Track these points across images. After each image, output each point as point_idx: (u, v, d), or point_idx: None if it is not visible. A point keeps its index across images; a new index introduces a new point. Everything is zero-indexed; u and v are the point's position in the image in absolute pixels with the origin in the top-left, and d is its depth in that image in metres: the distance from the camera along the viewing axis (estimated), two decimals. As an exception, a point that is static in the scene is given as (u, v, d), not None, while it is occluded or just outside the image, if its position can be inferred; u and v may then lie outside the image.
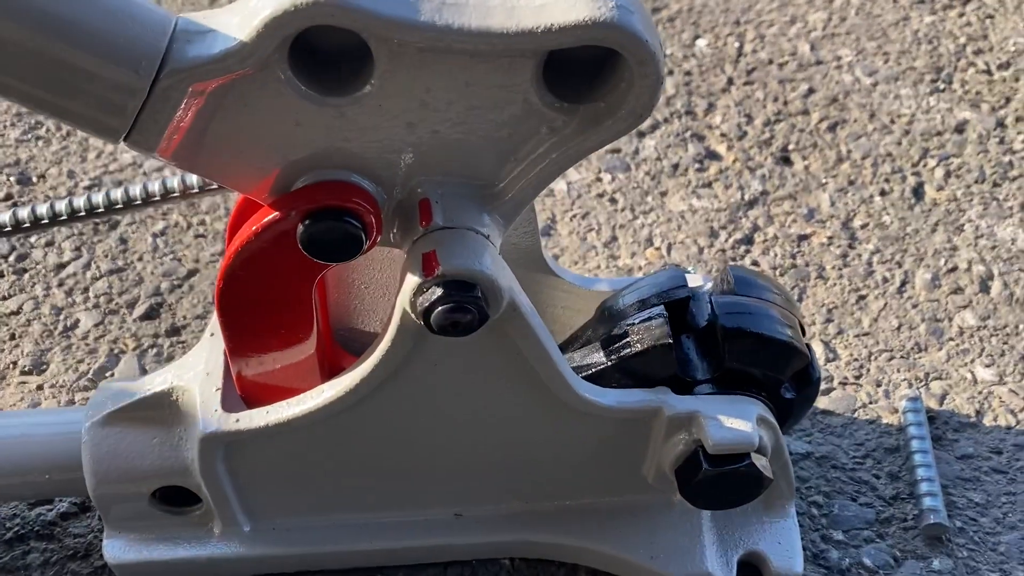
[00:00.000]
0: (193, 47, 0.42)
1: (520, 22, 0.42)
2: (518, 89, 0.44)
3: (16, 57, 0.41)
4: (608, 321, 0.57)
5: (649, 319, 0.55)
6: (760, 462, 0.53)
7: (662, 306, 0.55)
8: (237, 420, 0.53)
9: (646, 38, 0.42)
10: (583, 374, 0.54)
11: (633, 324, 0.55)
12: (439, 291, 0.45)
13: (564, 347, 0.58)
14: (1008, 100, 0.94)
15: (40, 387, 0.71)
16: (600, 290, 0.61)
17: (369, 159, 0.46)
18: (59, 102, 0.42)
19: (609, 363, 0.54)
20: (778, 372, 0.56)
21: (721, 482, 0.53)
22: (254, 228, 0.46)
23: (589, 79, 0.45)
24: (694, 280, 0.59)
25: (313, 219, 0.45)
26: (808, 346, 0.57)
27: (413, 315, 0.47)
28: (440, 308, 0.45)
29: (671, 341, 0.54)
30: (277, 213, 0.46)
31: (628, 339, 0.54)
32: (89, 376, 0.71)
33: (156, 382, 0.56)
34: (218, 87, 0.43)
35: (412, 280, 0.46)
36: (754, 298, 0.56)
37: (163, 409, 0.56)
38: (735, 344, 0.55)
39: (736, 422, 0.53)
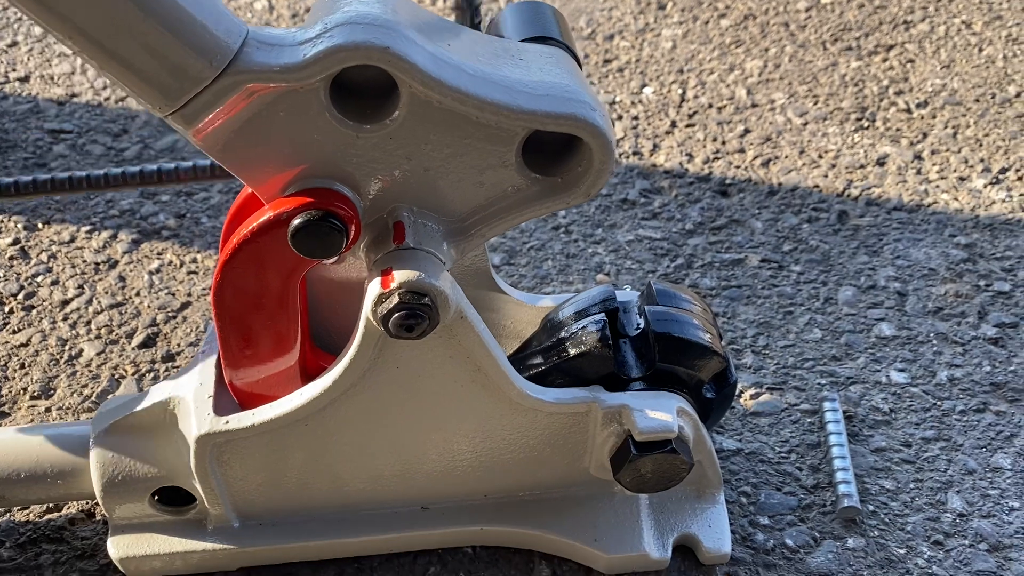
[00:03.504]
0: (260, 54, 0.50)
1: (522, 104, 0.52)
2: (501, 153, 0.54)
3: (116, 23, 0.47)
4: (552, 330, 0.65)
5: (588, 326, 0.63)
6: (682, 447, 0.61)
7: (602, 314, 0.64)
8: (227, 422, 0.61)
9: (611, 138, 0.53)
10: (529, 374, 0.62)
11: (575, 331, 0.63)
12: (395, 300, 0.53)
13: (515, 355, 0.66)
14: (925, 135, 1.03)
15: (48, 410, 0.79)
16: (544, 305, 0.69)
17: (364, 177, 0.55)
18: (131, 69, 0.48)
19: (552, 364, 0.62)
20: (699, 372, 0.64)
21: (649, 466, 0.61)
22: (252, 226, 0.54)
23: (553, 158, 0.56)
24: (624, 295, 0.68)
25: (303, 219, 0.53)
26: (725, 352, 0.66)
27: (375, 322, 0.55)
28: (397, 315, 0.54)
29: (610, 343, 0.62)
30: (272, 212, 0.53)
31: (570, 343, 0.63)
32: (93, 399, 0.79)
33: (155, 394, 0.64)
34: (267, 92, 0.50)
35: (373, 292, 0.54)
36: (675, 308, 0.65)
37: (162, 417, 0.63)
38: (664, 346, 0.63)
39: (659, 413, 0.61)
